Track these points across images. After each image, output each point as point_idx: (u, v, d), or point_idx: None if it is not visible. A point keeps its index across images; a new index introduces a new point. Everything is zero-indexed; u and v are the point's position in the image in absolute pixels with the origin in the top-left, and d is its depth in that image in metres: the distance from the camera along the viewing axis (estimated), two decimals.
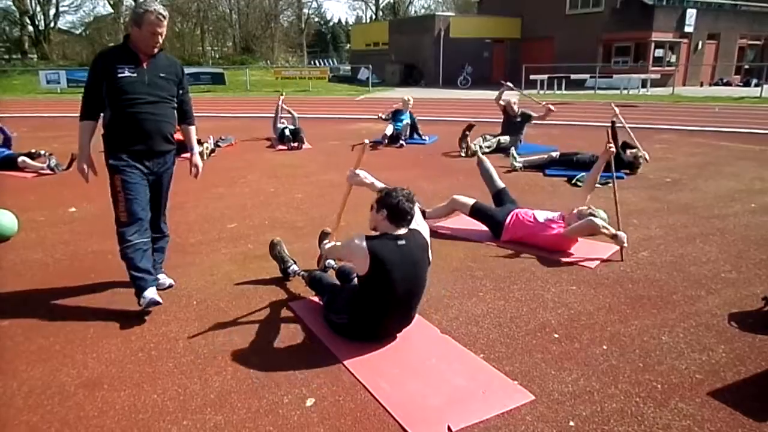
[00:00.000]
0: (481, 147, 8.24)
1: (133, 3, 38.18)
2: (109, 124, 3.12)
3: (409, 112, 9.72)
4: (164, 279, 3.45)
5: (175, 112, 3.35)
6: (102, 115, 3.16)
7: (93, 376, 2.59)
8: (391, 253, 2.69)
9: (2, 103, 16.48)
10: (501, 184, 4.91)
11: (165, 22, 3.07)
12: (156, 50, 3.14)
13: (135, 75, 3.08)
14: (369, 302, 2.76)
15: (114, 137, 3.12)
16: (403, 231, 2.80)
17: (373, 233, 2.86)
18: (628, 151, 7.05)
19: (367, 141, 3.37)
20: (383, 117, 9.88)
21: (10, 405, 2.38)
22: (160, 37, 3.08)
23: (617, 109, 7.08)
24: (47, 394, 2.46)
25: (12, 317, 3.17)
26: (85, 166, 3.20)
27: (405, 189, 2.84)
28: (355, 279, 3.25)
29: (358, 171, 3.22)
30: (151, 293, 3.06)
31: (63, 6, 38.95)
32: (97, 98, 3.10)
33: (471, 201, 4.71)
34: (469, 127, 4.85)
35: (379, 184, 3.11)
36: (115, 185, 3.11)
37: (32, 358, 2.75)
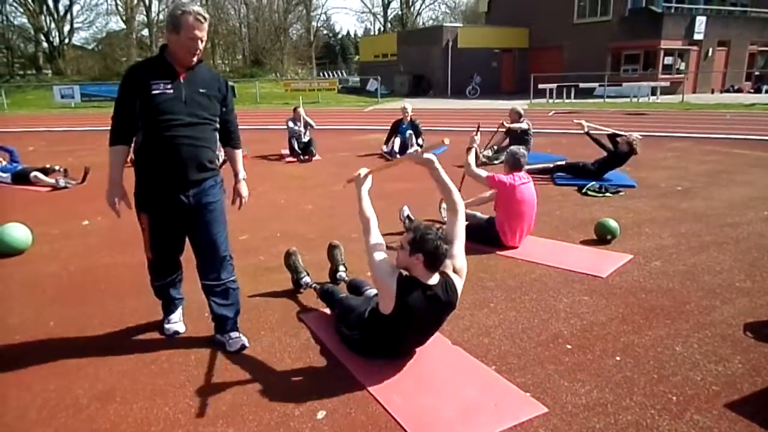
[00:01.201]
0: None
1: (145, 19, 38.95)
2: (140, 149, 2.73)
3: (410, 120, 9.68)
4: (235, 340, 2.96)
5: (217, 134, 2.94)
6: (134, 138, 2.75)
7: (106, 389, 2.61)
8: (419, 302, 2.56)
9: (18, 118, 16.75)
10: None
11: (206, 25, 2.64)
12: (195, 60, 2.73)
13: (171, 92, 2.66)
14: (384, 332, 2.70)
15: (144, 164, 2.74)
16: (436, 280, 2.63)
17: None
18: (619, 140, 7.07)
19: (447, 141, 2.84)
20: (386, 151, 9.63)
21: (24, 418, 2.40)
22: (200, 42, 2.67)
23: (584, 122, 7.53)
24: (61, 407, 2.47)
25: (26, 330, 3.21)
26: (116, 200, 2.78)
27: (436, 228, 2.63)
28: (368, 291, 3.26)
29: (429, 155, 2.99)
30: (174, 325, 3.15)
31: (77, 23, 39.59)
32: (130, 119, 2.67)
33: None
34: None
35: (444, 175, 2.99)
36: (141, 221, 2.84)
37: (46, 371, 2.77)
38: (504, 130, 8.44)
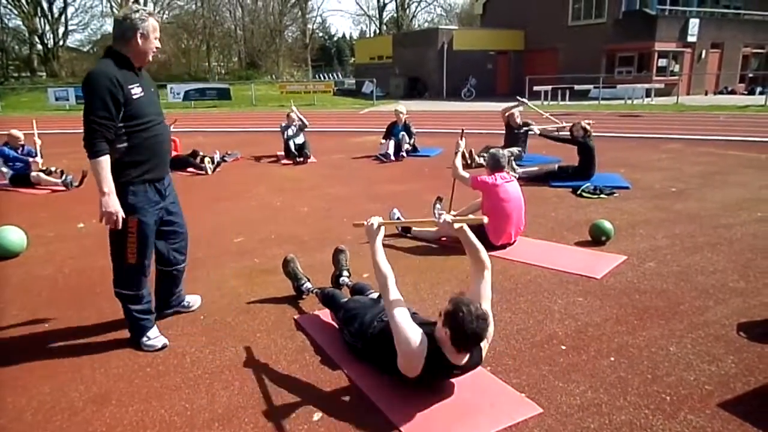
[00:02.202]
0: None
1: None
2: (126, 154, 2.75)
3: (404, 122, 9.72)
4: (192, 299, 3.49)
5: None
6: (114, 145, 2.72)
7: (101, 392, 2.61)
8: (442, 374, 2.48)
9: (12, 120, 16.68)
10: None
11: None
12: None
13: (142, 93, 2.77)
14: (391, 367, 2.53)
15: (130, 168, 2.77)
16: (464, 360, 2.41)
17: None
18: (573, 130, 7.26)
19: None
20: (381, 153, 9.54)
21: (20, 420, 2.40)
22: (158, 44, 2.85)
23: (535, 127, 8.07)
24: (56, 409, 2.47)
25: (21, 333, 3.20)
26: (120, 211, 2.74)
27: (479, 306, 2.35)
28: (372, 294, 3.23)
29: (453, 221, 2.78)
30: (160, 340, 3.02)
31: (72, 25, 39.55)
32: (114, 127, 2.67)
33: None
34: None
35: (472, 236, 2.73)
36: (128, 227, 2.81)
37: (41, 373, 2.77)
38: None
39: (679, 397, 2.50)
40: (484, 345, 2.51)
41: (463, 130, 5.34)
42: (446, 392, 2.54)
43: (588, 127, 7.14)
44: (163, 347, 3.00)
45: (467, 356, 2.40)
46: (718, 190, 6.71)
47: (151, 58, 2.82)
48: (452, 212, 5.19)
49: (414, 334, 2.39)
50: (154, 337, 3.03)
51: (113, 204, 2.71)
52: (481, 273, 2.68)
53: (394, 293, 2.52)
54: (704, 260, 4.28)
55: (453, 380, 2.57)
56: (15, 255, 4.54)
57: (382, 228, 2.75)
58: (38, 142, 7.53)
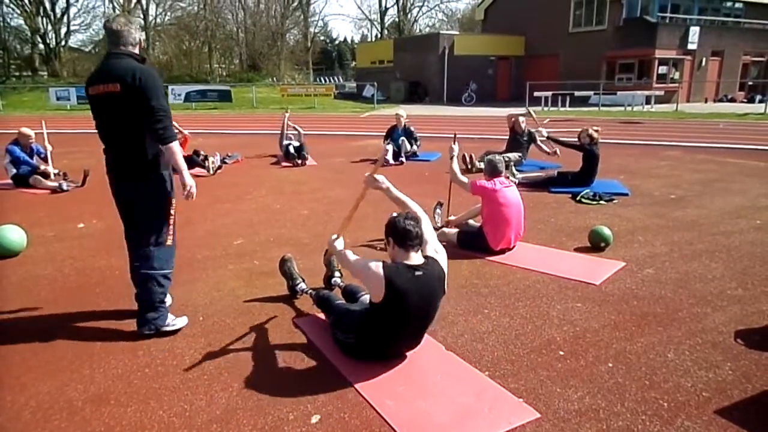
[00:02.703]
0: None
1: (142, 22, 38.94)
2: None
3: (405, 126, 9.76)
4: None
5: None
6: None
7: (100, 392, 2.61)
8: (407, 283, 2.62)
9: (13, 119, 16.70)
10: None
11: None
12: None
13: None
14: (379, 326, 2.74)
15: (163, 157, 3.02)
16: (419, 260, 2.72)
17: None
18: (580, 137, 7.27)
19: (388, 148, 3.35)
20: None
21: (18, 419, 2.40)
22: None
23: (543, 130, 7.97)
24: (55, 409, 2.48)
25: (20, 332, 3.21)
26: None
27: (406, 213, 2.81)
28: (362, 298, 3.27)
29: (376, 176, 3.16)
30: (183, 319, 3.27)
31: (74, 25, 39.55)
32: None
33: (455, 231, 4.79)
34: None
35: (395, 192, 3.13)
36: (170, 206, 3.07)
37: (40, 372, 2.77)
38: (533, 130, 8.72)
39: (676, 404, 2.50)
40: (441, 259, 2.80)
41: (455, 134, 5.37)
42: (443, 392, 2.54)
43: (595, 135, 7.13)
44: (185, 324, 3.23)
45: (418, 255, 2.73)
46: (717, 197, 6.73)
47: None
48: (450, 216, 5.21)
49: (362, 259, 2.83)
50: (175, 318, 3.22)
51: (191, 179, 3.02)
52: (394, 199, 3.09)
53: (349, 255, 2.90)
54: (702, 267, 4.29)
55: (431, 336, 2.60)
56: (15, 254, 4.55)
57: (341, 238, 3.13)
58: (49, 148, 7.53)
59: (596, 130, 7.25)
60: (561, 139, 7.79)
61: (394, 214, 2.78)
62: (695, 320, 3.37)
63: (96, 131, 3.05)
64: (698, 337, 3.15)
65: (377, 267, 2.65)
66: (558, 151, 8.40)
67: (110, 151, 3.05)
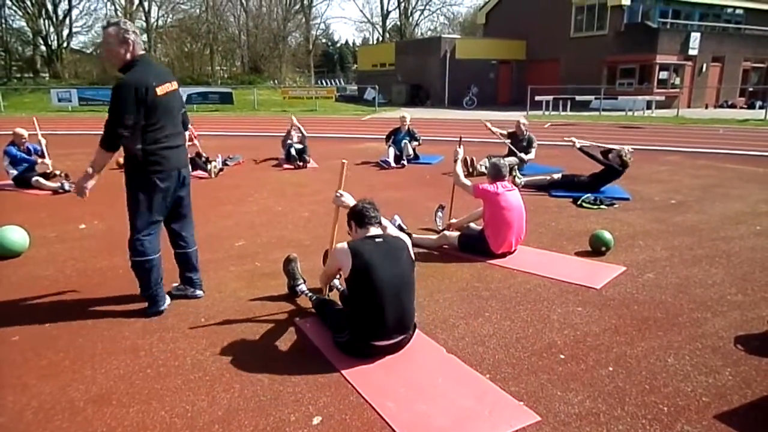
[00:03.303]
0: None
1: (144, 24, 39.04)
2: None
3: (408, 129, 9.80)
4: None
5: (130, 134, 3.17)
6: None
7: (102, 392, 2.62)
8: (371, 249, 2.86)
9: (14, 121, 16.73)
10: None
11: (104, 33, 3.15)
12: (119, 64, 3.15)
13: None
14: (361, 306, 2.82)
15: None
16: (377, 231, 3.03)
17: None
18: (612, 156, 7.14)
19: (345, 161, 3.49)
20: (382, 160, 9.53)
21: (20, 420, 2.41)
22: (102, 50, 3.15)
23: (575, 140, 7.56)
24: (57, 409, 2.48)
25: (22, 332, 3.22)
26: None
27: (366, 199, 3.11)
28: None
29: (341, 192, 3.34)
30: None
31: (76, 27, 39.65)
32: None
33: (456, 235, 4.81)
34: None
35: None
36: None
37: (42, 373, 2.78)
38: (507, 140, 8.63)
39: (676, 408, 2.51)
40: (405, 238, 3.07)
41: (461, 137, 5.38)
42: (444, 395, 2.55)
43: (627, 160, 7.01)
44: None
45: (377, 229, 3.03)
46: (718, 203, 6.75)
47: (107, 60, 3.23)
48: (452, 219, 5.22)
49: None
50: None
51: None
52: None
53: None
54: (703, 273, 4.30)
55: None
56: (17, 255, 4.56)
57: (346, 194, 3.34)
58: (43, 141, 7.55)
59: (629, 154, 7.07)
60: (591, 152, 7.38)
61: (354, 204, 3.14)
62: (695, 325, 3.38)
63: (153, 131, 3.15)
64: (698, 342, 3.16)
65: (341, 244, 2.94)
66: (524, 157, 8.49)
67: (176, 147, 3.35)
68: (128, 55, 3.14)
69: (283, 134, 9.92)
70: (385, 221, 3.18)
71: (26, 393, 2.61)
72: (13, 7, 35.93)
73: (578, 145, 7.52)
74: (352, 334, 2.88)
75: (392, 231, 3.18)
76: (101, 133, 3.09)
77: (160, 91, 3.14)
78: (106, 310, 3.53)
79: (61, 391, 2.63)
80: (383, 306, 2.78)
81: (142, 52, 3.21)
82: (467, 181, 4.85)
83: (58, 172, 7.56)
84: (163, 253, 3.45)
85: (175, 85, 3.35)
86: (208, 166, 8.35)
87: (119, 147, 3.14)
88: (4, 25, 36.48)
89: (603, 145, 7.55)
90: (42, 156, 7.52)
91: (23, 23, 36.71)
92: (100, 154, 3.13)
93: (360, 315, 2.83)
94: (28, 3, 35.58)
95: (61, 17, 37.42)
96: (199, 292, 3.74)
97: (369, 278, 2.78)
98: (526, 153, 8.73)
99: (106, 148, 3.11)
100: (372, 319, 2.80)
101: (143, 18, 39.58)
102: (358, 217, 3.05)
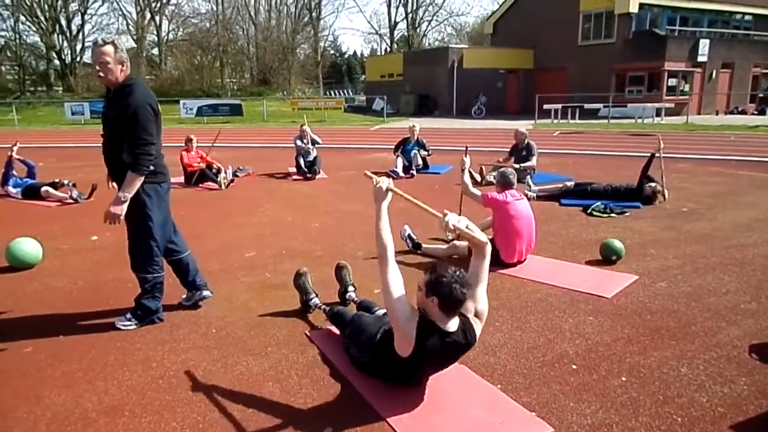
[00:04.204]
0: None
1: (155, 38, 39.58)
2: None
3: (417, 139, 9.82)
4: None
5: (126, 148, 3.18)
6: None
7: (114, 403, 2.63)
8: (437, 347, 2.47)
9: (28, 134, 16.98)
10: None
11: (101, 49, 3.12)
12: (111, 82, 3.19)
13: (103, 109, 3.44)
14: (397, 365, 2.61)
15: None
16: (455, 326, 2.53)
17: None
18: (648, 186, 7.04)
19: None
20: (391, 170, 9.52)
21: (35, 430, 2.43)
22: (100, 65, 3.12)
23: (662, 143, 7.22)
24: (70, 420, 2.50)
25: (36, 343, 3.25)
26: None
27: (456, 270, 2.48)
28: (378, 311, 3.26)
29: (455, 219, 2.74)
30: None
31: (89, 41, 40.18)
32: None
33: (465, 244, 4.79)
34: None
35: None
36: None
37: (56, 384, 2.81)
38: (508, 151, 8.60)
39: (690, 419, 2.48)
40: (477, 327, 2.63)
41: (467, 147, 5.39)
42: (456, 406, 2.54)
43: (659, 196, 6.99)
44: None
45: (456, 322, 2.52)
46: (730, 210, 6.69)
47: (103, 78, 3.21)
48: (424, 244, 5.17)
49: (406, 307, 2.49)
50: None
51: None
52: (481, 257, 2.72)
53: (392, 269, 2.52)
54: (716, 281, 4.26)
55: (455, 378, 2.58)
56: (31, 266, 4.61)
57: (390, 194, 2.70)
58: (17, 157, 7.84)
59: (663, 193, 7.04)
60: (648, 164, 7.20)
61: (445, 272, 2.46)
62: (709, 334, 3.34)
63: (151, 144, 3.21)
64: (712, 351, 3.12)
65: (412, 323, 2.46)
66: (524, 166, 8.45)
67: (163, 161, 3.43)
68: (123, 75, 3.22)
69: (295, 139, 9.86)
70: (473, 288, 2.62)
71: (40, 404, 2.63)
72: (27, 23, 36.60)
73: (658, 154, 7.16)
74: (372, 362, 2.78)
75: (481, 295, 2.69)
76: (132, 159, 3.14)
77: (159, 108, 3.32)
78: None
79: (75, 402, 2.65)
80: (416, 378, 2.70)
81: (129, 72, 3.31)
82: (476, 191, 4.85)
83: (66, 182, 7.67)
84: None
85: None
86: (218, 178, 8.43)
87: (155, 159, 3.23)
88: (18, 40, 37.16)
89: (662, 167, 7.28)
90: (33, 177, 7.84)
91: (37, 38, 37.38)
92: (137, 180, 3.17)
93: (390, 366, 2.66)
94: (42, 18, 36.23)
95: (74, 32, 38.08)
96: (207, 293, 3.78)
97: (417, 367, 2.58)
98: (526, 161, 8.68)
99: (144, 172, 3.18)
100: (399, 377, 2.70)
101: (154, 32, 40.18)
102: (448, 304, 2.45)
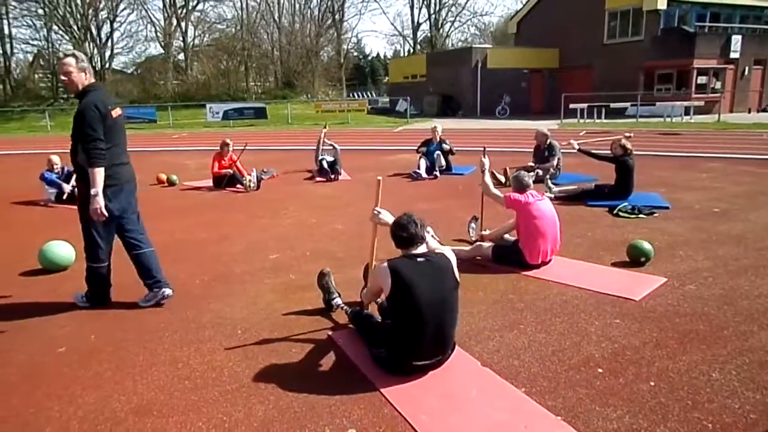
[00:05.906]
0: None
1: (182, 44, 40.30)
2: None
3: (439, 139, 9.80)
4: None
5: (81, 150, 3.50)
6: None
7: (143, 403, 2.69)
8: (411, 268, 2.81)
9: (61, 140, 17.45)
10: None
11: (64, 60, 3.50)
12: (76, 90, 3.55)
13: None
14: (401, 324, 2.79)
15: None
16: (421, 250, 2.94)
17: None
18: (612, 149, 7.08)
19: (380, 178, 3.51)
20: (414, 171, 9.58)
21: (67, 429, 2.50)
22: (62, 76, 3.53)
23: (573, 142, 7.67)
24: (100, 419, 2.56)
25: (69, 344, 3.34)
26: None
27: (404, 214, 3.00)
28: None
29: (378, 209, 3.36)
30: None
31: (117, 48, 41.24)
32: None
33: (489, 245, 4.76)
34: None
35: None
36: None
37: (87, 383, 2.88)
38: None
39: (722, 425, 2.42)
40: (447, 253, 2.97)
41: (485, 147, 5.37)
42: (479, 408, 2.52)
43: (628, 145, 6.98)
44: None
45: (421, 248, 2.94)
46: (763, 210, 6.49)
47: (68, 86, 3.59)
48: (484, 231, 5.18)
49: (377, 280, 2.97)
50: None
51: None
52: None
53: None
54: (749, 284, 4.14)
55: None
56: (64, 268, 4.74)
57: (384, 211, 3.35)
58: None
59: (628, 137, 7.05)
60: (593, 151, 7.56)
61: (397, 218, 3.02)
62: (741, 338, 3.25)
63: (111, 148, 3.53)
64: (745, 356, 3.04)
65: (382, 264, 2.87)
66: (545, 166, 8.38)
67: (128, 165, 3.79)
68: (87, 82, 3.57)
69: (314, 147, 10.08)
70: (429, 237, 3.10)
71: (72, 403, 2.70)
72: (60, 32, 37.66)
73: (577, 147, 7.52)
74: (389, 352, 2.86)
75: (435, 246, 3.10)
76: (85, 157, 3.44)
77: (114, 113, 3.57)
78: (147, 323, 3.63)
79: (104, 401, 2.71)
80: (422, 326, 2.76)
81: (93, 80, 3.63)
82: (497, 192, 4.82)
83: None
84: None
85: (119, 111, 3.72)
86: (244, 181, 8.55)
87: (106, 159, 3.47)
88: (51, 49, 38.22)
89: (599, 139, 7.51)
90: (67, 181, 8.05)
91: (70, 46, 38.38)
92: (99, 174, 3.44)
93: (399, 333, 2.81)
94: (75, 27, 37.24)
95: (104, 40, 39.04)
96: (168, 291, 3.90)
97: (409, 299, 2.74)
98: (548, 162, 8.58)
99: (99, 165, 3.44)
100: (411, 339, 2.78)
101: (181, 38, 40.92)
102: (398, 233, 2.95)
